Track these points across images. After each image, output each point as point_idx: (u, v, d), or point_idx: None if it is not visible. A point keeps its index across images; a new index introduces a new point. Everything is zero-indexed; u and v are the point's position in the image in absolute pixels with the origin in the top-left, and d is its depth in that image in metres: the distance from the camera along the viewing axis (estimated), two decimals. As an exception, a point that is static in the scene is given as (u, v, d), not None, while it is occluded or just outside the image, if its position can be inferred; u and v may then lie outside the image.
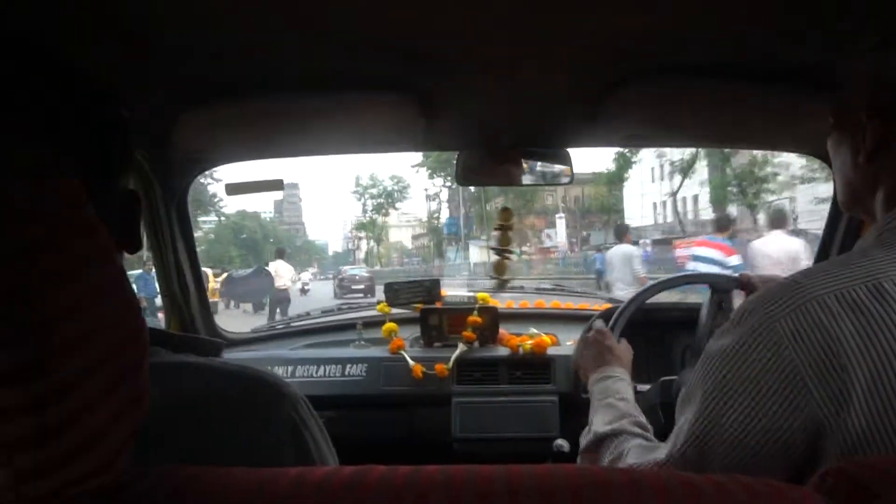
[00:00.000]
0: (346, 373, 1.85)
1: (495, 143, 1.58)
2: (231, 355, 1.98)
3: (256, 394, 0.61)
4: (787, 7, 0.93)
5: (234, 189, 1.80)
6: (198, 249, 1.86)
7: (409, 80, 1.23)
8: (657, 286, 1.58)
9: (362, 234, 61.85)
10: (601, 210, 38.03)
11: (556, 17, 0.97)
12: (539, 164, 1.64)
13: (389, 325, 2.00)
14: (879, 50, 0.71)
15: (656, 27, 1.01)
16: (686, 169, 27.83)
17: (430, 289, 2.06)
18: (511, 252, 1.70)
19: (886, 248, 0.64)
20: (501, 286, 1.89)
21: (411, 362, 1.83)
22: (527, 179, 1.64)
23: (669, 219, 34.44)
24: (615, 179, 33.39)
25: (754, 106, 1.37)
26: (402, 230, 68.72)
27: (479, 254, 41.75)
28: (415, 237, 65.02)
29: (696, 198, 32.89)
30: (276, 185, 1.81)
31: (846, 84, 0.77)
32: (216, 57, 1.10)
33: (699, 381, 0.69)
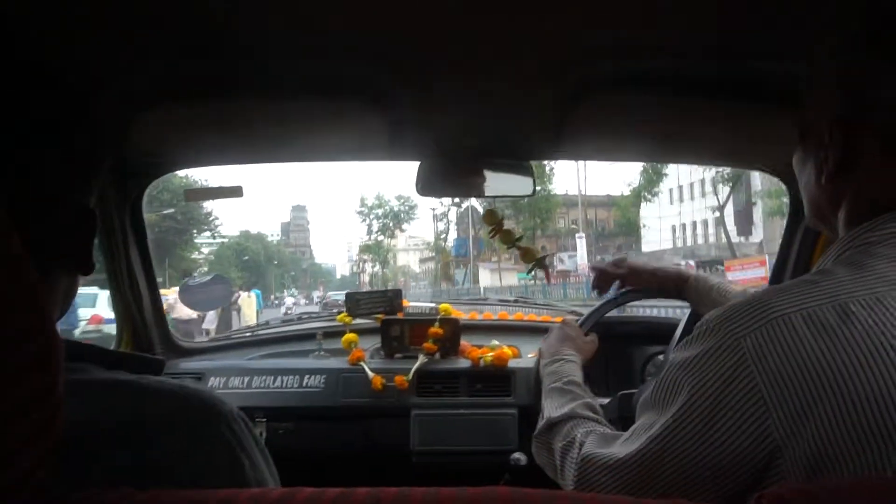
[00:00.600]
0: (304, 384, 1.82)
1: (458, 154, 1.57)
2: (188, 365, 1.93)
3: (190, 412, 0.59)
4: (749, 21, 0.94)
5: (192, 195, 1.77)
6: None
7: (372, 87, 1.21)
8: (634, 294, 1.58)
9: (367, 257, 60.70)
10: (618, 233, 37.52)
11: (520, 28, 0.97)
12: (501, 175, 1.63)
13: (349, 336, 1.97)
14: (837, 60, 0.71)
15: (619, 40, 1.02)
16: (735, 181, 26.53)
17: (391, 299, 2.04)
18: (520, 239, 1.69)
19: (850, 267, 0.63)
20: (540, 265, 1.82)
21: (371, 374, 1.80)
22: (488, 191, 1.63)
23: (699, 240, 33.47)
24: (642, 194, 32.31)
25: (718, 121, 1.39)
26: (409, 253, 67.97)
27: (489, 277, 40.59)
28: (422, 260, 64.20)
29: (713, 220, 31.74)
30: (234, 192, 1.78)
31: (808, 94, 0.77)
32: (173, 58, 1.07)
33: (662, 388, 0.69)
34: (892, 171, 0.67)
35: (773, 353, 0.60)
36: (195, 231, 44.81)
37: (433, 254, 55.40)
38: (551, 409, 1.05)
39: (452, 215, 47.84)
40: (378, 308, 2.03)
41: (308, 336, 2.16)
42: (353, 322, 2.06)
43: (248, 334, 2.31)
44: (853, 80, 0.69)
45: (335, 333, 2.07)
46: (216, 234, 50.69)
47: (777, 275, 1.72)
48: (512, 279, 37.76)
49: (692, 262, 25.56)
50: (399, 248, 62.94)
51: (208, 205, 44.26)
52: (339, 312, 2.07)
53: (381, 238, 55.68)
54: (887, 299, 0.59)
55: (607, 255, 35.96)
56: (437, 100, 1.29)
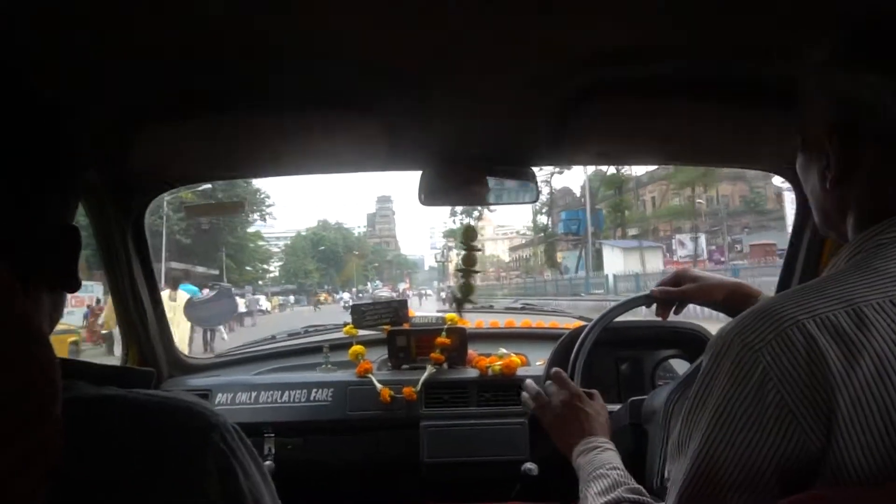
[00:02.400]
0: (312, 398, 1.81)
1: (459, 162, 1.56)
2: (194, 381, 1.93)
3: (182, 425, 0.59)
4: (749, 22, 0.93)
5: (193, 211, 1.77)
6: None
7: (372, 100, 1.21)
8: (609, 314, 1.54)
9: (452, 244, 54.96)
10: (744, 211, 33.19)
11: (518, 35, 0.97)
12: (504, 182, 1.62)
13: (356, 348, 1.96)
14: (832, 66, 0.70)
15: (620, 44, 1.01)
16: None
17: (397, 309, 2.03)
18: (476, 272, 1.67)
19: (861, 271, 0.62)
20: (462, 306, 1.86)
21: (378, 386, 1.79)
22: (491, 198, 1.62)
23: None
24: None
25: (722, 123, 1.37)
26: (497, 243, 65.08)
27: (618, 261, 29.45)
28: (513, 248, 60.33)
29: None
30: (236, 207, 1.78)
31: (806, 103, 0.76)
32: (174, 74, 1.07)
33: (689, 426, 0.66)
34: (895, 176, 0.66)
35: (794, 364, 0.58)
36: (252, 215, 44.18)
37: (524, 241, 51.34)
38: (594, 495, 1.01)
39: (557, 181, 40.44)
40: (384, 319, 2.02)
41: (315, 349, 2.15)
42: (360, 334, 2.05)
43: (254, 349, 2.30)
44: (845, 89, 0.68)
45: (342, 346, 2.06)
46: (265, 216, 48.66)
47: (784, 280, 1.70)
48: (656, 262, 28.68)
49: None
50: (486, 237, 58.54)
51: (259, 184, 43.58)
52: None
53: (466, 219, 51.01)
54: None
55: (731, 235, 31.77)
56: (437, 109, 1.28)
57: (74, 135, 0.66)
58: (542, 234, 40.93)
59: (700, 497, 0.63)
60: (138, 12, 0.85)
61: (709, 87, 1.17)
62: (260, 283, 50.18)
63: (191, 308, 2.24)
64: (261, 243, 52.17)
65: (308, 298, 52.12)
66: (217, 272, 37.06)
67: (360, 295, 50.09)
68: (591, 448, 1.17)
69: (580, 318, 2.43)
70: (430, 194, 1.57)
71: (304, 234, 65.61)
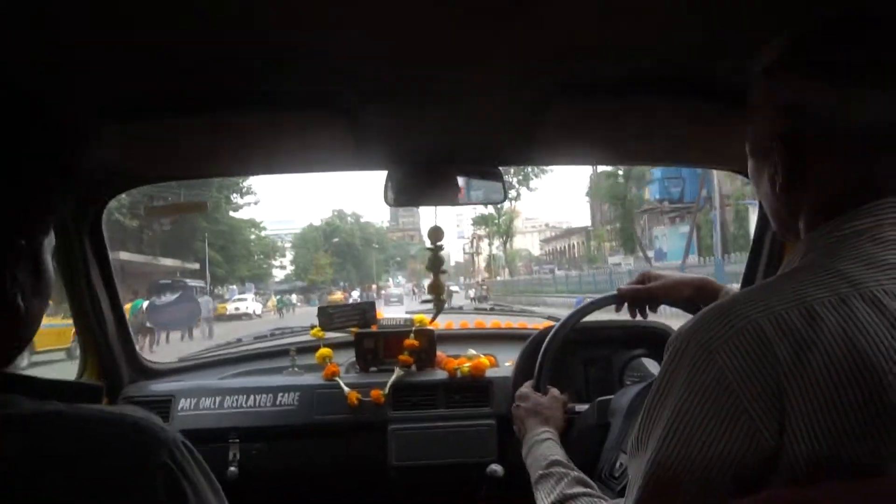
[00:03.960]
0: (278, 402, 1.77)
1: (427, 163, 1.55)
2: (156, 387, 1.88)
3: (128, 443, 0.57)
4: (712, 24, 0.94)
5: (154, 212, 1.73)
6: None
7: (338, 100, 1.20)
8: (577, 314, 1.54)
9: (482, 232, 49.28)
10: None
11: (485, 37, 0.97)
12: (472, 182, 1.62)
13: (323, 351, 1.92)
14: (777, 72, 0.71)
15: (585, 47, 1.02)
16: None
17: (365, 311, 2.00)
18: (443, 272, 1.67)
19: (813, 269, 0.64)
20: (439, 307, 1.85)
21: (346, 389, 1.77)
22: (460, 199, 1.61)
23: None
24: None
25: (688, 124, 1.39)
26: (526, 236, 61.13)
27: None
28: (545, 241, 56.54)
29: None
30: (199, 207, 1.74)
31: (752, 110, 0.77)
32: (137, 73, 1.04)
33: (647, 425, 0.67)
34: (841, 177, 0.67)
35: (748, 362, 0.59)
36: (232, 195, 35.57)
37: (554, 234, 47.71)
38: (542, 499, 1.03)
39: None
40: (351, 321, 1.99)
41: (281, 352, 2.12)
42: (327, 336, 2.02)
43: (219, 353, 2.25)
44: (790, 95, 0.69)
45: (309, 349, 2.03)
46: (244, 194, 37.23)
47: (748, 279, 1.72)
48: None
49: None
50: (516, 230, 52.78)
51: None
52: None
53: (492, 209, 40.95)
54: (851, 300, 0.59)
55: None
56: (403, 110, 1.28)
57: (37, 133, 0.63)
58: (621, 204, 28.84)
59: (657, 495, 0.63)
60: (107, 9, 0.82)
61: (676, 88, 1.18)
62: (256, 279, 43.10)
63: (153, 311, 2.18)
64: (263, 234, 45.21)
65: (321, 296, 45.69)
66: (196, 266, 30.74)
67: (383, 292, 45.15)
68: (532, 444, 1.20)
69: (549, 317, 2.44)
70: (397, 194, 1.56)
71: (316, 224, 58.90)
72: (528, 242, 61.97)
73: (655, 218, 30.84)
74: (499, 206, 36.92)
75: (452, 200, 1.61)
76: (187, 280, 23.67)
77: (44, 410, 0.56)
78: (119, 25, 0.88)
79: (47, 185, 0.61)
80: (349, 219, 62.32)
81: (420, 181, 1.56)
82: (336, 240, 56.96)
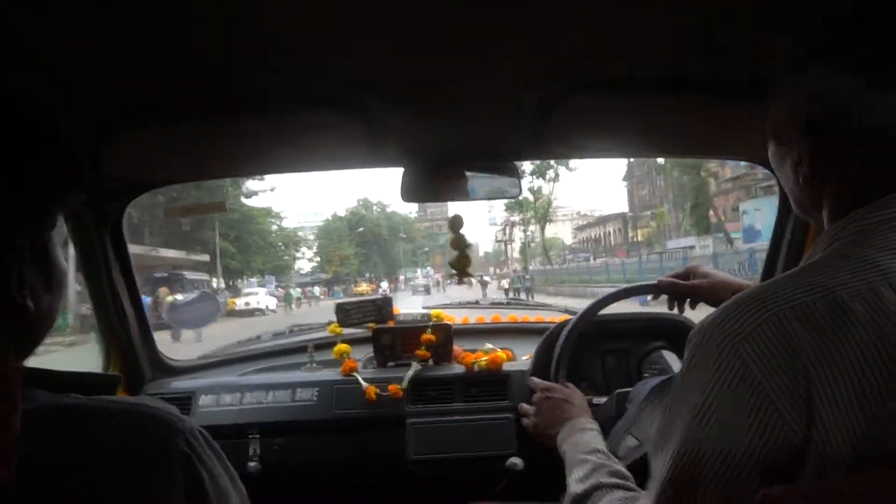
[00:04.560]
0: (297, 397, 1.79)
1: (441, 160, 1.55)
2: (177, 384, 1.91)
3: (146, 432, 0.58)
4: (720, 21, 0.94)
5: (174, 212, 1.76)
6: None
7: (354, 101, 1.21)
8: (599, 303, 1.55)
9: (516, 218, 46.99)
10: None
11: (498, 36, 0.97)
12: (487, 178, 1.61)
13: (341, 347, 1.94)
14: (805, 65, 0.71)
15: (597, 43, 1.02)
16: None
17: (381, 307, 2.01)
18: (468, 245, 1.70)
19: (840, 259, 0.63)
20: (464, 278, 1.85)
21: (364, 384, 1.78)
22: (475, 194, 1.61)
23: None
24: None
25: (698, 116, 1.38)
26: (556, 225, 58.84)
27: None
28: (578, 228, 55.32)
29: None
30: (219, 207, 1.76)
31: (776, 99, 0.76)
32: (152, 78, 1.06)
33: (670, 420, 0.66)
34: (866, 172, 0.67)
35: (774, 355, 0.59)
36: (243, 184, 33.70)
37: (585, 222, 45.40)
38: (574, 483, 1.02)
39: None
40: (368, 317, 2.01)
41: (299, 349, 2.14)
42: (344, 332, 2.04)
43: (239, 350, 2.28)
44: (819, 89, 0.68)
45: (327, 345, 2.05)
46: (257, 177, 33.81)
47: (769, 269, 1.71)
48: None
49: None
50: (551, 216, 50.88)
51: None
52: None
53: (533, 183, 39.34)
54: (881, 289, 0.58)
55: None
56: (417, 108, 1.28)
57: (54, 142, 0.64)
58: (695, 176, 26.26)
59: (682, 490, 0.63)
60: (115, 9, 0.83)
61: (687, 81, 1.18)
62: (276, 272, 41.68)
63: (173, 310, 2.21)
64: (284, 224, 44.20)
65: (345, 289, 44.94)
66: (206, 258, 29.13)
67: (412, 283, 43.46)
68: (574, 430, 1.19)
69: (566, 310, 2.43)
70: (412, 191, 1.56)
71: (341, 215, 56.22)
72: (558, 231, 60.13)
73: (745, 190, 26.60)
74: (536, 188, 37.44)
75: (467, 196, 1.61)
76: (185, 273, 22.00)
77: (64, 404, 0.57)
78: (129, 30, 0.88)
79: (49, 185, 0.61)
80: (375, 208, 60.03)
81: (435, 177, 1.57)
82: (361, 229, 54.79)
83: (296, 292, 34.84)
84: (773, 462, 0.58)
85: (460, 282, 1.92)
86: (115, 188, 1.61)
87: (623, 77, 1.16)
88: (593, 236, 50.36)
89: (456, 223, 1.71)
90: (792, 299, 0.60)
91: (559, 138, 1.50)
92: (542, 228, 43.73)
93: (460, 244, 1.71)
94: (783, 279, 0.65)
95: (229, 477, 0.63)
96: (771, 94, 0.77)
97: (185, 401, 1.78)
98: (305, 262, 54.22)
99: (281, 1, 0.84)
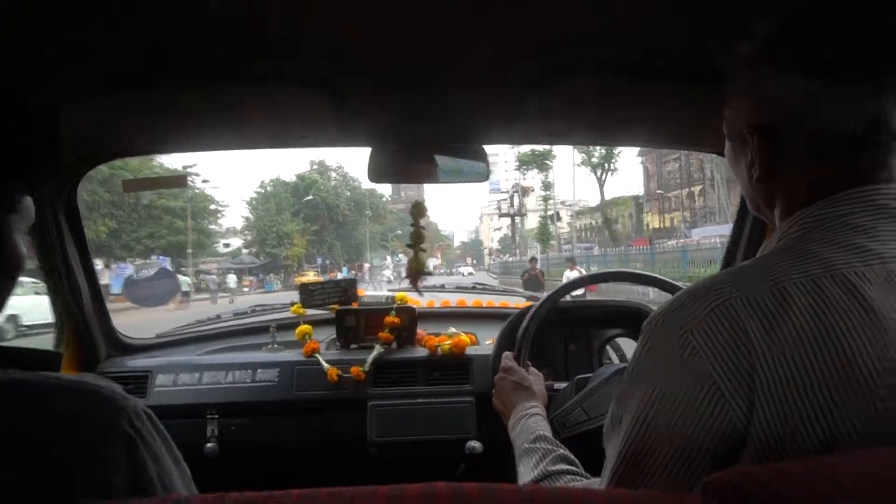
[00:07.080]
0: (257, 378, 1.77)
1: (410, 141, 1.54)
2: (134, 363, 1.86)
3: (88, 410, 0.57)
4: (694, 8, 0.94)
5: (131, 185, 1.69)
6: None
7: (323, 77, 1.19)
8: (555, 293, 1.56)
9: (539, 178, 37.87)
10: None
11: (471, 17, 0.96)
12: (455, 161, 1.60)
13: (303, 328, 1.92)
14: (755, 65, 0.71)
15: (570, 28, 1.02)
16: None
17: (346, 289, 1.99)
18: (423, 250, 1.66)
19: (788, 252, 0.65)
20: (417, 281, 1.84)
21: (326, 365, 1.77)
22: (442, 177, 1.60)
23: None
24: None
25: (670, 106, 1.39)
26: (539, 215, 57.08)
27: None
28: (576, 214, 50.92)
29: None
30: (178, 181, 1.71)
31: (731, 99, 0.77)
32: (109, 45, 1.02)
33: (622, 406, 0.67)
34: (817, 170, 0.68)
35: (721, 341, 0.60)
36: None
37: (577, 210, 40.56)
38: (523, 475, 1.03)
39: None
40: (332, 298, 1.99)
41: (261, 329, 2.11)
42: (308, 313, 2.02)
43: (198, 329, 2.24)
44: (768, 89, 0.69)
45: (289, 325, 2.02)
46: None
47: (727, 264, 1.75)
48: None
49: None
50: (530, 208, 46.57)
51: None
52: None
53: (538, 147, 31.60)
54: (822, 281, 0.60)
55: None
56: (387, 89, 1.26)
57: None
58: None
59: (633, 472, 0.64)
60: None
61: (657, 70, 1.19)
62: (172, 250, 30.24)
63: (130, 287, 2.15)
64: (199, 187, 32.48)
65: (285, 279, 36.02)
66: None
67: (378, 274, 34.69)
68: (519, 417, 1.21)
69: (530, 297, 2.45)
70: (379, 172, 1.54)
71: (286, 179, 42.33)
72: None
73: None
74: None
75: (435, 178, 1.60)
76: None
77: (6, 378, 0.55)
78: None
79: (5, 166, 0.59)
80: (333, 174, 45.11)
81: (404, 159, 1.55)
82: (310, 198, 39.79)
83: (212, 280, 29.15)
84: (721, 446, 0.60)
85: (414, 287, 1.75)
86: (69, 161, 1.56)
87: (594, 63, 1.16)
88: (587, 224, 47.99)
89: (419, 210, 1.68)
90: (740, 290, 0.62)
91: (529, 123, 1.50)
92: (602, 186, 33.88)
93: (417, 241, 1.67)
94: (735, 271, 0.67)
95: (172, 457, 0.62)
96: (726, 94, 0.78)
97: (141, 379, 1.74)
98: (238, 240, 44.04)
99: None
